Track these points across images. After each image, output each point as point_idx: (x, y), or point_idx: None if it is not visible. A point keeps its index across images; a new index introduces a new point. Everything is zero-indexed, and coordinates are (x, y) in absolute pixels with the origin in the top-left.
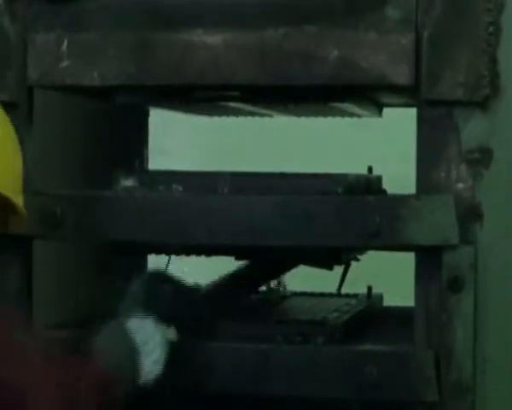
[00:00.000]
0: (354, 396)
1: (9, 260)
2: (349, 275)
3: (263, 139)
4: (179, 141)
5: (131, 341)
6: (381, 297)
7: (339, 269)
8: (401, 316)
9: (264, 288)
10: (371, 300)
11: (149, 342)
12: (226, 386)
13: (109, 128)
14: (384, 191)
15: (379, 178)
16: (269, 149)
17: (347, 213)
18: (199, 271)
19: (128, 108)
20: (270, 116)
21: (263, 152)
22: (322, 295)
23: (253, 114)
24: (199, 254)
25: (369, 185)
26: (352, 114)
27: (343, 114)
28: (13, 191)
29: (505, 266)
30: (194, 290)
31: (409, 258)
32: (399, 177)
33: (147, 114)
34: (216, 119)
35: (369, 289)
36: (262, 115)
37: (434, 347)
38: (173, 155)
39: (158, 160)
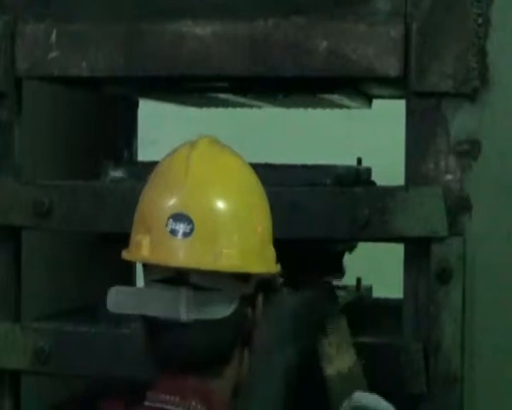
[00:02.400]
0: None
1: None
2: None
3: (252, 131)
4: (168, 132)
5: None
6: (370, 289)
7: None
8: (390, 308)
9: None
10: (360, 291)
11: None
12: None
13: (98, 119)
14: (373, 183)
15: (368, 170)
16: (258, 141)
17: (336, 205)
18: None
19: (117, 98)
20: (259, 107)
21: (252, 143)
22: None
23: (242, 105)
24: None
25: (358, 177)
26: (341, 106)
27: (332, 105)
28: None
29: (494, 258)
30: None
31: (398, 249)
32: (389, 168)
33: (136, 105)
34: (205, 110)
35: (359, 280)
36: (251, 107)
37: (423, 338)
38: (163, 146)
39: (147, 151)
